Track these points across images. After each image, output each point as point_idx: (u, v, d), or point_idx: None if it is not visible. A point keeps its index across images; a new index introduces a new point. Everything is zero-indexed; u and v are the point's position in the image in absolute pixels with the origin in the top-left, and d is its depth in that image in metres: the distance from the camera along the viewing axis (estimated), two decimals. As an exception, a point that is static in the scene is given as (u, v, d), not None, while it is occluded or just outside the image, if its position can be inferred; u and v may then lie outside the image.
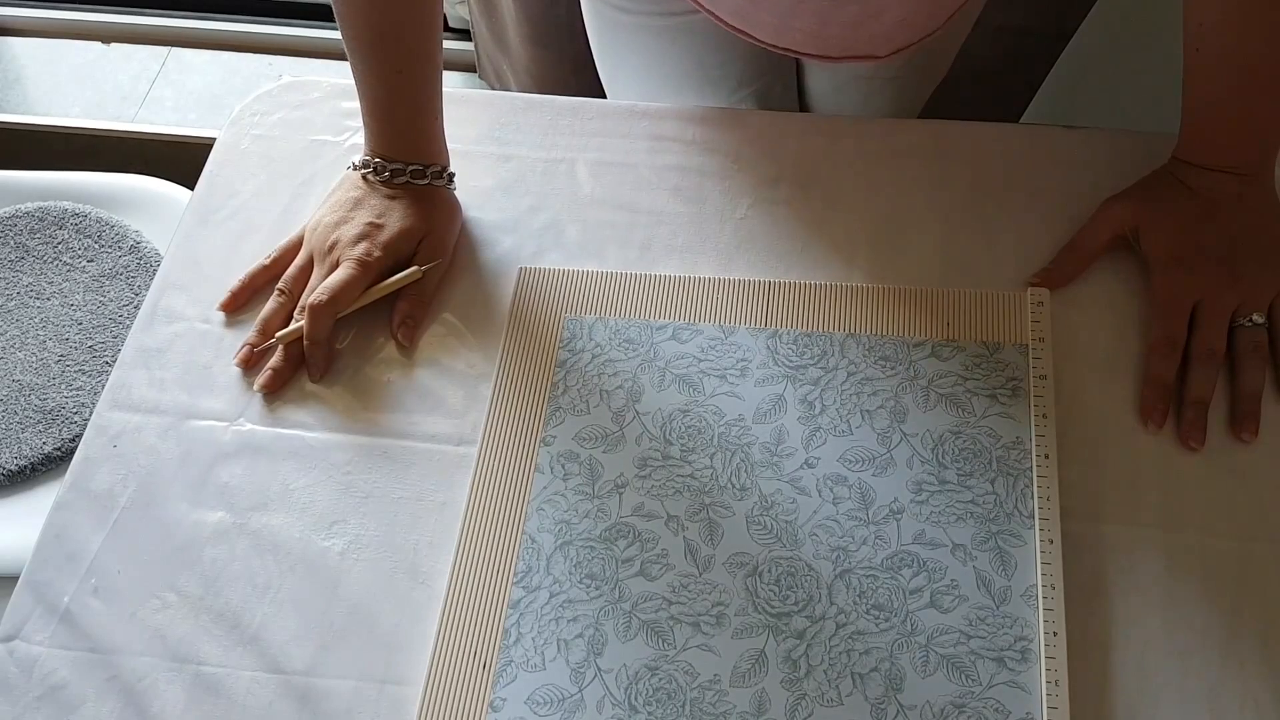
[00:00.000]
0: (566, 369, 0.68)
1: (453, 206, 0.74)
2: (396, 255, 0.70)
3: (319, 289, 0.68)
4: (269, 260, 0.72)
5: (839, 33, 0.77)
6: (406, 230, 0.70)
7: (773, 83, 0.93)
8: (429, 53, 0.71)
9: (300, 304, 0.70)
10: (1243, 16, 0.63)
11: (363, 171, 0.72)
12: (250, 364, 0.69)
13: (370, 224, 0.70)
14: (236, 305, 0.72)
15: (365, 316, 0.71)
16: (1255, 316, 0.65)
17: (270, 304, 0.70)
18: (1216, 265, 0.66)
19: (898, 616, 0.59)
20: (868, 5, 0.73)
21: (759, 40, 0.80)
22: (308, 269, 0.71)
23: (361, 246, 0.69)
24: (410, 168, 0.72)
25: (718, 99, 0.90)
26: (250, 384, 0.69)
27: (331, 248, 0.70)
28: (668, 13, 0.84)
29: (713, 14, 0.80)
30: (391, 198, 0.72)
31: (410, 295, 0.70)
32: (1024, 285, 0.69)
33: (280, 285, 0.71)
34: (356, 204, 0.71)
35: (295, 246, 0.73)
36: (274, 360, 0.69)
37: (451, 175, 0.74)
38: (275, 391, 0.68)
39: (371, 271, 0.69)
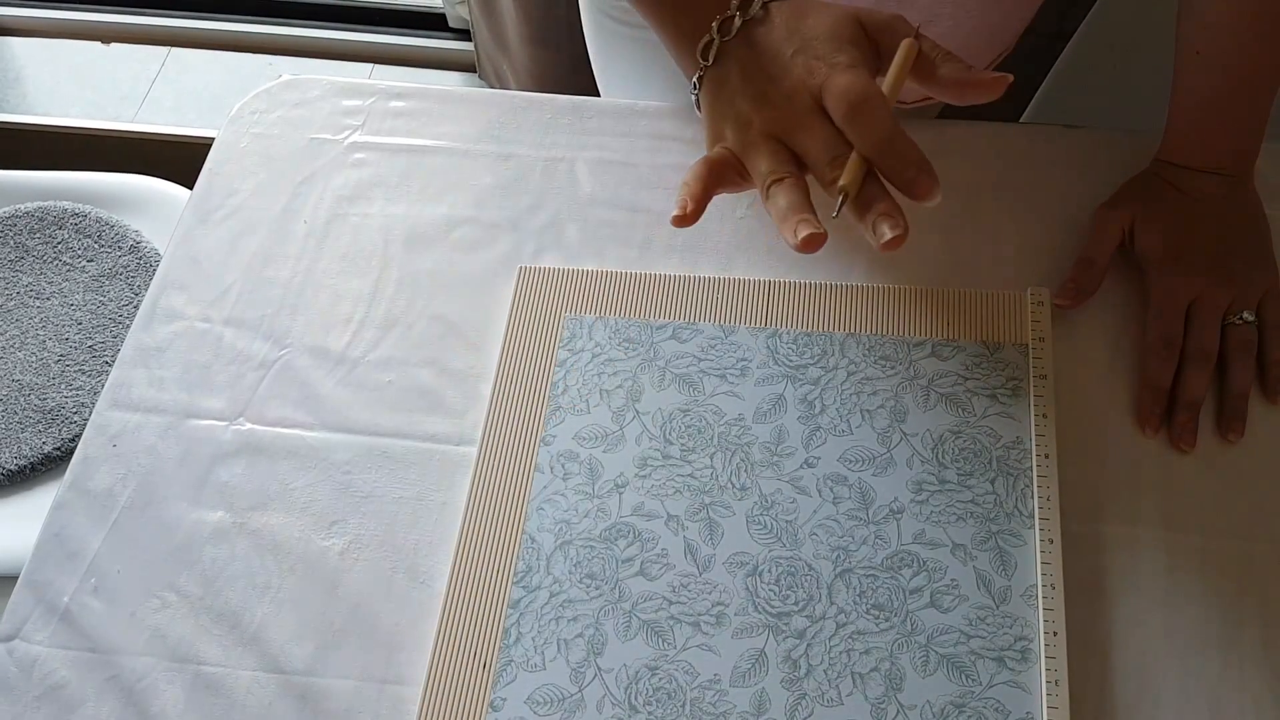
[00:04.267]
0: (566, 368, 0.68)
1: None
2: (854, 48, 0.52)
3: (850, 88, 0.48)
4: (701, 166, 0.53)
5: None
6: (836, 15, 0.52)
7: None
8: None
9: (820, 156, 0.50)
10: (1248, 16, 0.63)
11: (707, 53, 0.54)
12: (818, 244, 0.48)
13: (803, 46, 0.52)
14: (699, 215, 0.52)
15: (355, 311, 0.71)
16: (1245, 314, 0.66)
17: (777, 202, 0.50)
18: (1209, 264, 0.67)
19: (898, 616, 0.59)
20: None
21: None
22: (774, 152, 0.51)
23: (823, 63, 0.51)
24: None
25: None
26: (249, 384, 0.69)
27: (794, 102, 0.51)
28: None
29: None
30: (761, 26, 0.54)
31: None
32: (1024, 285, 0.69)
33: (767, 179, 0.51)
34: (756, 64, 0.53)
35: (714, 163, 0.53)
36: (882, 210, 0.48)
37: None
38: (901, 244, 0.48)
39: (863, 70, 0.51)
